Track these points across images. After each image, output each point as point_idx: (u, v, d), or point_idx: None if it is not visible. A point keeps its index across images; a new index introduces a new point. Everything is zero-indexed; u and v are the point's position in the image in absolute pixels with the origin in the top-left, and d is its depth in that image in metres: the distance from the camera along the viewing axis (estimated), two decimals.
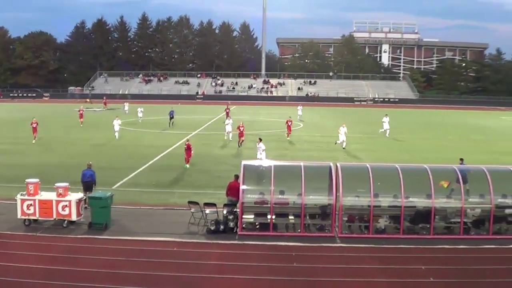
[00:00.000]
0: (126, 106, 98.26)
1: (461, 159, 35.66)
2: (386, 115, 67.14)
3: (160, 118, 79.20)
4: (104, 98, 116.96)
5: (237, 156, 44.73)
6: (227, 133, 59.43)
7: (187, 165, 43.12)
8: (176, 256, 22.91)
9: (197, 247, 24.16)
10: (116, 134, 59.55)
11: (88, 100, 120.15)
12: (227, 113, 79.75)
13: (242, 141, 54.10)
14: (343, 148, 53.27)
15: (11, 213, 28.03)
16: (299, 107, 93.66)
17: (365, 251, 23.71)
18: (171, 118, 74.71)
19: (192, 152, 43.68)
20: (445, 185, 26.82)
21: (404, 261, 22.76)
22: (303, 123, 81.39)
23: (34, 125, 57.86)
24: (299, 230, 26.09)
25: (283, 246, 24.21)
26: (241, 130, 54.76)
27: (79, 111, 75.28)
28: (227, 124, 60.16)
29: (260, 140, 43.61)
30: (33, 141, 55.49)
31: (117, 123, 60.40)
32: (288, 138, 61.95)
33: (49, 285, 19.80)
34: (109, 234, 25.91)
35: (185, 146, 43.86)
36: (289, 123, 63.56)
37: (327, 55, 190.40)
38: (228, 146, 55.33)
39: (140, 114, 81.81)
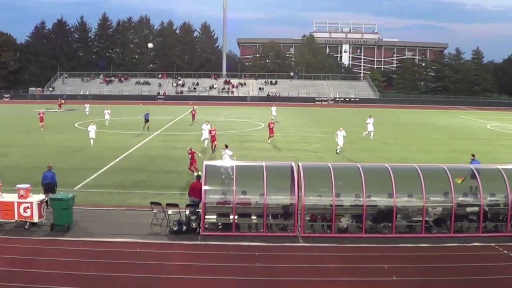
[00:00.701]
0: (87, 107, 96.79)
1: (473, 155, 36.23)
2: (370, 116, 65.71)
3: (125, 119, 78.24)
4: (59, 99, 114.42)
5: (200, 157, 44.59)
6: (203, 139, 55.39)
7: (199, 173, 41.84)
8: (139, 257, 22.82)
9: (160, 248, 24.12)
10: (92, 141, 55.03)
11: (62, 101, 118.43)
12: (193, 115, 79.63)
13: (215, 146, 51.35)
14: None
15: None
16: (273, 107, 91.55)
17: (328, 251, 23.87)
18: (146, 121, 70.13)
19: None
20: (459, 181, 26.97)
21: (367, 260, 22.92)
22: (264, 123, 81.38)
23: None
24: (261, 230, 26.15)
25: (245, 246, 24.25)
26: (213, 134, 52.42)
27: (39, 114, 71.48)
28: (203, 130, 55.70)
29: (226, 146, 42.76)
30: None
31: (92, 129, 55.66)
32: (269, 141, 59.65)
33: (10, 287, 19.62)
34: (71, 235, 25.73)
35: (189, 154, 42.63)
36: (271, 125, 61.26)
37: (288, 55, 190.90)
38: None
39: (107, 116, 77.25)
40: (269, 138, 60.13)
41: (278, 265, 22.08)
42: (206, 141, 54.78)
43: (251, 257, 22.93)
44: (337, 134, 52.55)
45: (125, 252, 23.37)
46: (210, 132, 53.03)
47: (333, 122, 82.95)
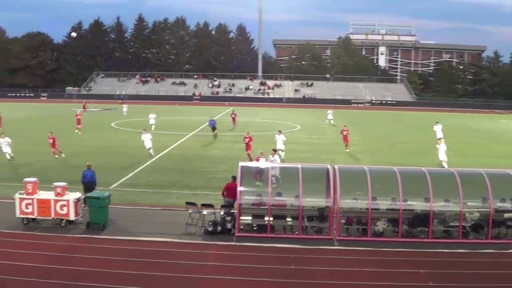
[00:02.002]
0: (125, 107, 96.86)
1: None
2: (437, 122, 63.10)
3: (162, 119, 77.73)
4: (83, 101, 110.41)
5: (235, 157, 44.62)
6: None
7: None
8: (174, 256, 22.90)
9: (195, 248, 24.16)
10: (151, 151, 49.19)
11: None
12: (233, 119, 77.00)
13: (249, 155, 46.52)
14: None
15: (9, 212, 28.04)
16: (329, 111, 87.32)
17: (363, 254, 23.69)
18: (213, 128, 63.58)
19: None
20: None
21: (402, 264, 22.74)
22: (301, 125, 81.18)
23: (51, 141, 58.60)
24: (297, 232, 26.06)
25: (280, 248, 24.19)
26: (247, 141, 47.90)
27: (76, 115, 69.35)
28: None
29: (275, 151, 41.41)
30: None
31: (147, 138, 49.50)
32: (347, 150, 54.28)
33: (47, 284, 19.84)
34: (106, 234, 25.92)
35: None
36: (345, 133, 55.39)
37: (323, 57, 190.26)
38: (226, 147, 55.24)
39: (152, 121, 71.35)
40: (346, 146, 54.78)
41: (313, 268, 21.96)
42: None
43: (286, 259, 22.85)
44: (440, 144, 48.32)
45: (160, 252, 23.45)
46: (244, 140, 48.91)
47: (371, 125, 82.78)
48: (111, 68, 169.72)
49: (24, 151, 48.34)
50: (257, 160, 39.11)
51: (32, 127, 73.18)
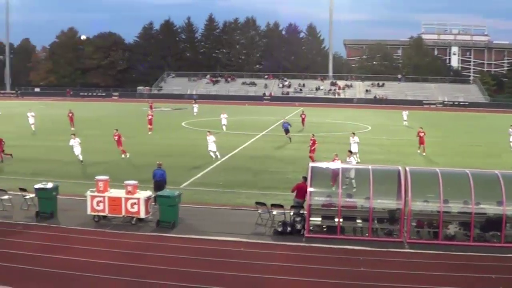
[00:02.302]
0: (195, 107, 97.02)
1: None
2: None
3: (232, 119, 77.53)
4: (150, 101, 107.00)
5: (305, 158, 44.54)
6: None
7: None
8: (243, 256, 23.00)
9: (264, 248, 24.21)
10: (216, 153, 48.20)
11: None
12: (303, 120, 74.27)
13: (312, 158, 45.10)
14: None
15: (81, 209, 28.68)
16: (404, 112, 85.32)
17: (434, 258, 23.34)
18: (287, 131, 60.85)
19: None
20: None
21: (474, 269, 22.32)
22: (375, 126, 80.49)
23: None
24: (366, 234, 25.86)
25: (350, 250, 24.05)
26: (310, 144, 46.91)
27: (148, 116, 69.33)
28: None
29: (351, 153, 41.11)
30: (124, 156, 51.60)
31: (211, 140, 48.29)
32: (424, 153, 52.30)
33: (117, 281, 20.19)
34: (176, 232, 26.21)
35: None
36: (421, 135, 53.48)
37: (395, 57, 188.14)
38: (296, 148, 55.15)
39: (224, 121, 69.76)
40: (423, 149, 52.92)
41: (383, 271, 21.78)
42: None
43: (355, 261, 22.70)
44: None
45: (229, 251, 23.58)
46: (311, 142, 47.09)
47: (443, 126, 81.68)
48: (181, 68, 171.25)
49: (96, 150, 49.20)
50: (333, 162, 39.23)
51: (103, 126, 74.41)
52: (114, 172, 37.09)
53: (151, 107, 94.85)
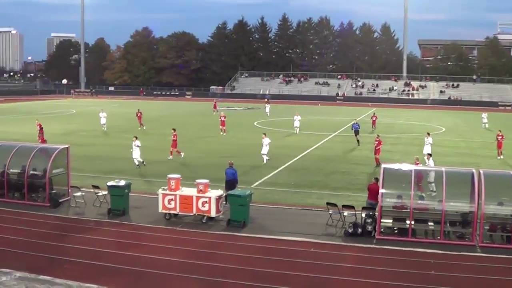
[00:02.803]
0: (267, 107, 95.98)
1: None
2: None
3: (303, 119, 77.31)
4: (214, 100, 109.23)
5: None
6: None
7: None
8: (312, 257, 22.95)
9: (334, 249, 24.14)
10: (267, 158, 46.37)
11: (266, 100, 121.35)
12: (374, 122, 72.30)
13: (376, 159, 44.92)
14: None
15: (153, 207, 29.10)
16: (484, 114, 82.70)
17: (507, 263, 22.87)
18: (356, 133, 59.28)
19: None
20: None
21: None
22: (446, 128, 79.27)
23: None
24: (438, 237, 25.51)
25: (421, 253, 23.76)
26: (375, 145, 45.87)
27: (220, 117, 67.86)
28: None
29: (430, 155, 39.52)
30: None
31: (266, 143, 46.37)
32: (501, 157, 50.37)
33: (186, 279, 20.41)
34: (247, 231, 26.33)
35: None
36: (499, 138, 51.49)
37: (470, 57, 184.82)
38: (368, 148, 54.79)
39: (297, 123, 67.32)
40: (499, 153, 51.00)
41: (454, 274, 21.43)
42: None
43: (426, 265, 22.42)
44: None
45: (299, 251, 23.57)
46: (376, 142, 45.96)
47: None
48: (255, 67, 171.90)
49: (167, 148, 49.74)
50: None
51: (175, 125, 75.27)
52: (186, 170, 37.70)
53: (215, 106, 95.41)
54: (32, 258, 22.23)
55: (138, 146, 43.09)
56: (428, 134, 46.91)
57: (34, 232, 25.91)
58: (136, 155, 43.33)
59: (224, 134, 64.47)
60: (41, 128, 53.68)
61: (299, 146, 54.27)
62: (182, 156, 47.38)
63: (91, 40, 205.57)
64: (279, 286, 19.81)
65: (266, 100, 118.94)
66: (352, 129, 60.43)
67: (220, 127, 65.86)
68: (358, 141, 58.10)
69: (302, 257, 22.84)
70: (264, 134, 47.00)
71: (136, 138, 43.56)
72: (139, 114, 72.04)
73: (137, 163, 43.07)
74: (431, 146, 45.41)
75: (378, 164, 42.39)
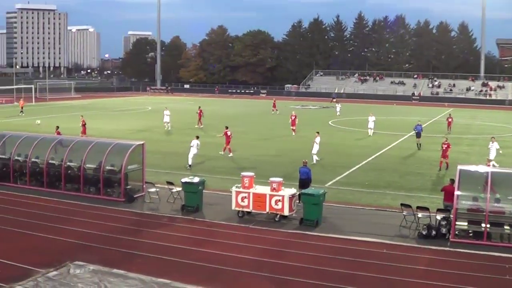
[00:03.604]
0: (338, 107, 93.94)
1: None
2: None
3: (380, 118, 75.89)
4: (274, 98, 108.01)
5: (454, 160, 43.38)
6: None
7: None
8: (385, 258, 22.77)
9: (407, 251, 23.87)
10: (315, 157, 45.05)
11: (334, 99, 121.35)
12: (449, 124, 68.50)
13: (447, 164, 42.78)
14: None
15: (226, 204, 29.33)
16: None
17: None
18: (418, 135, 55.16)
19: None
20: None
21: None
22: None
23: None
24: None
25: (496, 257, 23.25)
26: (444, 148, 43.41)
27: (291, 116, 65.98)
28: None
29: (490, 160, 39.30)
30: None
31: (317, 141, 45.30)
32: None
33: (257, 276, 20.50)
34: (319, 231, 26.28)
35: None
36: None
37: None
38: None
39: (371, 124, 64.10)
40: None
41: None
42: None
43: (501, 269, 21.94)
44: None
45: (371, 252, 23.42)
46: (442, 146, 43.77)
47: None
48: (330, 66, 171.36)
49: (242, 145, 49.98)
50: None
51: (251, 123, 75.71)
52: (259, 168, 37.88)
53: (274, 105, 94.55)
54: (106, 252, 22.67)
55: (192, 146, 43.05)
56: (493, 138, 45.27)
57: (109, 227, 26.45)
58: (315, 150, 44.01)
59: (293, 134, 63.45)
60: (84, 125, 55.37)
61: (373, 146, 53.89)
62: (231, 155, 47.58)
63: (167, 38, 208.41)
64: (349, 287, 19.72)
65: (333, 99, 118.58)
66: (414, 131, 56.64)
67: (291, 127, 64.63)
68: (419, 144, 54.53)
69: (374, 258, 22.68)
70: (318, 132, 46.62)
71: (198, 137, 43.87)
72: (199, 111, 71.23)
73: (190, 162, 42.80)
74: (497, 151, 43.73)
75: (445, 168, 42.14)
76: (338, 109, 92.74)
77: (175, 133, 63.71)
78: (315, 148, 45.02)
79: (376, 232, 26.10)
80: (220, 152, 47.31)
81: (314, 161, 44.13)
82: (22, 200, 31.35)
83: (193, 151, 42.60)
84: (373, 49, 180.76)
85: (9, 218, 27.48)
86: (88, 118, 59.99)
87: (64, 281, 19.33)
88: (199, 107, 73.33)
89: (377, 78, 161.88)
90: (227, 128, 49.04)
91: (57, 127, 48.47)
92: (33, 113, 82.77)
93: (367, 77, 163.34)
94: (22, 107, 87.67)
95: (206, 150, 46.53)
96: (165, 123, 67.23)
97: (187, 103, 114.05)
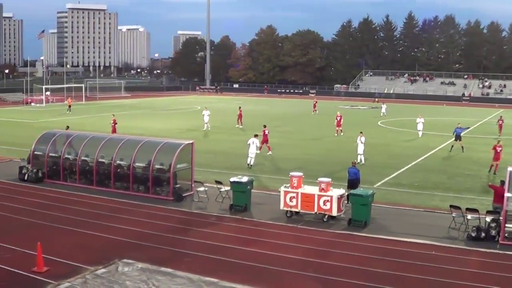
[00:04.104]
0: (384, 107, 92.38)
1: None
2: None
3: (429, 119, 75.60)
4: (315, 99, 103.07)
5: (505, 161, 42.74)
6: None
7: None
8: (433, 260, 22.53)
9: (455, 253, 23.60)
10: (361, 157, 44.34)
11: (376, 99, 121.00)
12: (500, 126, 67.41)
13: (495, 166, 41.65)
14: None
15: (274, 204, 29.33)
16: None
17: None
18: (458, 138, 53.11)
19: None
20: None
21: None
22: None
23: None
24: None
25: None
26: (498, 151, 41.55)
27: (336, 117, 64.74)
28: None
29: None
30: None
31: (361, 141, 44.97)
32: None
33: (304, 276, 20.50)
34: (367, 231, 26.18)
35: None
36: None
37: None
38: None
39: (420, 126, 63.34)
40: None
41: None
42: None
43: None
44: None
45: (419, 254, 23.25)
46: (495, 148, 42.01)
47: None
48: (379, 66, 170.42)
49: (289, 145, 49.98)
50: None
51: (301, 123, 75.69)
52: (307, 168, 37.86)
53: (314, 106, 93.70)
54: (154, 250, 22.87)
55: (257, 145, 42.97)
56: None
57: (157, 225, 26.68)
58: (252, 153, 43.06)
59: (341, 134, 62.66)
60: (115, 124, 56.49)
61: (422, 147, 53.47)
62: (270, 153, 47.86)
63: (216, 38, 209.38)
64: None
65: (375, 99, 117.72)
66: (453, 134, 54.25)
67: (336, 127, 63.66)
68: (452, 147, 52.91)
69: (422, 259, 22.50)
70: (361, 132, 46.14)
71: (256, 135, 43.78)
72: (239, 111, 71.00)
73: (250, 161, 42.66)
74: None
75: (493, 171, 41.36)
76: (383, 109, 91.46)
77: (224, 132, 63.94)
78: (361, 148, 44.66)
79: (425, 233, 25.87)
80: (256, 151, 47.47)
81: (363, 161, 43.91)
82: (71, 198, 31.83)
83: (252, 149, 42.44)
84: (423, 49, 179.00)
85: (58, 216, 27.90)
86: (137, 117, 60.70)
87: (112, 279, 19.53)
88: (239, 107, 73.40)
89: (427, 78, 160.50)
90: (265, 126, 49.28)
91: (67, 126, 48.64)
92: (83, 112, 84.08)
93: (417, 78, 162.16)
94: (69, 106, 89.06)
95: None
96: (205, 123, 66.18)
97: (236, 102, 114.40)
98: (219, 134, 62.37)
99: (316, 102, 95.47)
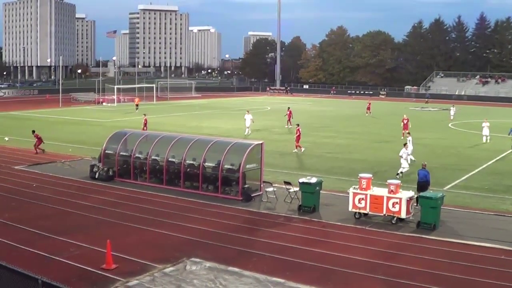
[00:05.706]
0: (453, 110, 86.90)
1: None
2: None
3: (499, 121, 74.40)
4: (369, 101, 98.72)
5: None
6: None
7: None
8: (503, 264, 22.24)
9: None
10: (409, 157, 41.69)
11: (427, 101, 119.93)
12: None
13: None
14: None
15: (343, 205, 29.36)
16: None
17: None
18: None
19: None
20: None
21: None
22: None
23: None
24: None
25: None
26: None
27: (402, 120, 62.99)
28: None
29: None
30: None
31: (409, 142, 44.80)
32: None
33: (371, 278, 20.45)
34: (436, 235, 25.90)
35: None
36: None
37: None
38: None
39: (485, 131, 59.59)
40: None
41: None
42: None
43: None
44: None
45: (488, 258, 22.91)
46: None
47: None
48: (450, 68, 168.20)
49: (355, 146, 49.74)
50: None
51: (373, 123, 75.30)
52: (377, 170, 37.73)
53: (368, 108, 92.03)
54: (222, 250, 23.15)
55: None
56: None
57: (225, 225, 26.95)
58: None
59: (406, 137, 60.35)
60: (146, 124, 57.99)
61: (494, 149, 52.58)
62: (303, 151, 48.48)
63: (287, 39, 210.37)
64: None
65: (426, 100, 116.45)
66: (510, 134, 54.61)
67: (403, 130, 61.06)
68: None
69: (492, 264, 22.20)
70: (409, 133, 45.81)
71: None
72: (288, 112, 70.22)
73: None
74: None
75: None
76: (452, 112, 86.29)
77: (292, 133, 63.93)
78: (410, 148, 43.55)
79: (495, 237, 25.52)
80: (293, 150, 47.44)
81: (414, 159, 42.49)
82: (141, 197, 32.43)
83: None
84: (495, 50, 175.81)
85: (128, 214, 28.47)
86: (207, 117, 61.10)
87: (180, 277, 19.81)
88: (288, 107, 72.91)
89: (499, 80, 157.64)
90: (298, 125, 50.09)
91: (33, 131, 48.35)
92: (154, 112, 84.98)
93: (489, 79, 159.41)
94: (137, 105, 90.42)
95: (322, 150, 46.54)
96: (246, 128, 62.61)
97: (306, 103, 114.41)
98: (286, 134, 62.37)
99: (370, 104, 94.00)
